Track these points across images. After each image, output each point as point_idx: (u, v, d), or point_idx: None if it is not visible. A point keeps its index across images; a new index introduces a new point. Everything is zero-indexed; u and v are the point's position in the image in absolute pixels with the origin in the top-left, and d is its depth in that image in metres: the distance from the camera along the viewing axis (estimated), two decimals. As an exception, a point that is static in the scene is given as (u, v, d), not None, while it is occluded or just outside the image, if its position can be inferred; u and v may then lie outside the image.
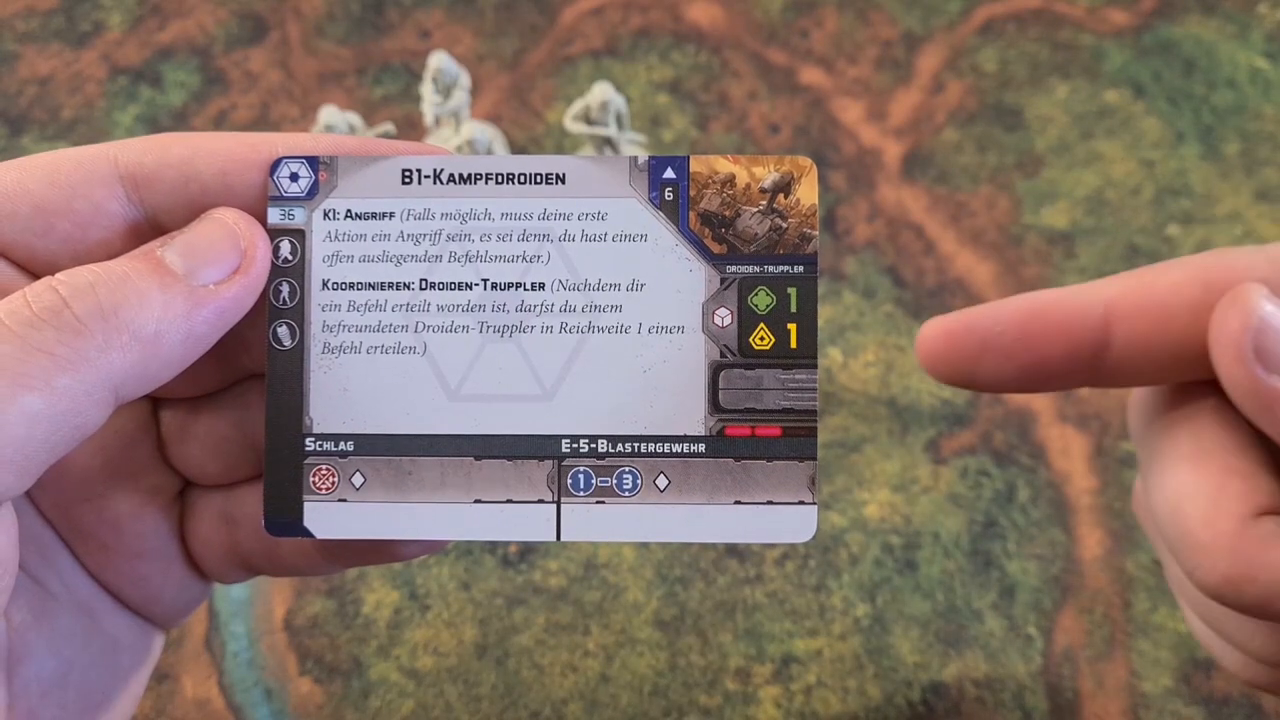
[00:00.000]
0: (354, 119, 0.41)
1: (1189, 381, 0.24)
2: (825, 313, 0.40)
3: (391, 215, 0.24)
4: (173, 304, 0.21)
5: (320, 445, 0.24)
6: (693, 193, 0.24)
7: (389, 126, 0.41)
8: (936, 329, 0.24)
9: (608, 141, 0.41)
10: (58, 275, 0.21)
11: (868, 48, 0.46)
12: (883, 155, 0.43)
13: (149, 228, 0.23)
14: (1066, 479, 0.37)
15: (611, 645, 0.35)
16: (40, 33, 0.47)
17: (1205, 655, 0.34)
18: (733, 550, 0.36)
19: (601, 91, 0.40)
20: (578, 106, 0.41)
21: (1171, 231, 0.41)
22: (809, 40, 0.46)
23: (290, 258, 0.24)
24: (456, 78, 0.41)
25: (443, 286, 0.24)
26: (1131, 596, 0.35)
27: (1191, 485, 0.23)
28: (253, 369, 0.25)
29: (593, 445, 0.24)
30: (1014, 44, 0.46)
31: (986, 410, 0.38)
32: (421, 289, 0.24)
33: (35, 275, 0.23)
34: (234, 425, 0.25)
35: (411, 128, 0.44)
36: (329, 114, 0.40)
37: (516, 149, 0.44)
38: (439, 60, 0.40)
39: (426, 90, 0.41)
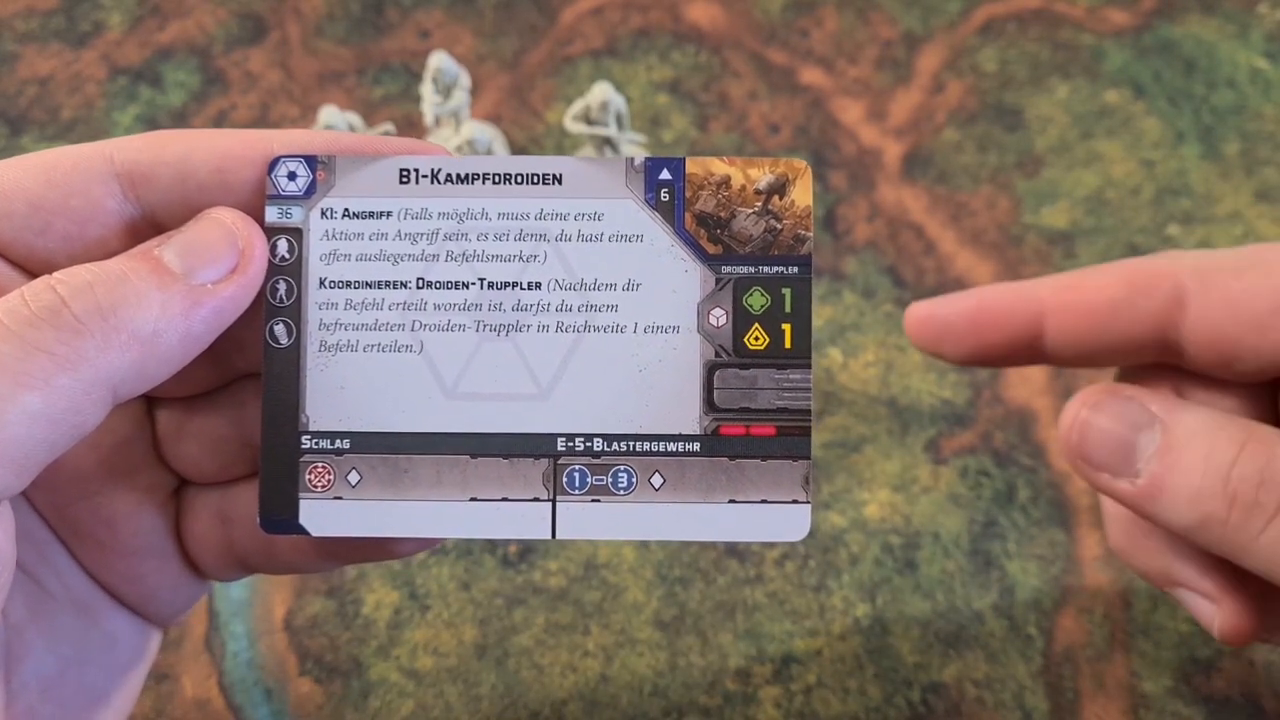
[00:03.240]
0: (354, 119, 0.41)
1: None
2: (825, 313, 0.40)
3: (389, 214, 0.24)
4: (171, 303, 0.21)
5: (316, 443, 0.24)
6: (689, 194, 0.24)
7: (389, 126, 0.41)
8: (912, 314, 0.29)
9: (607, 141, 0.41)
10: (56, 274, 0.21)
11: (868, 48, 0.46)
12: (883, 155, 0.43)
13: (146, 225, 0.23)
14: (1066, 479, 0.37)
15: (611, 645, 0.35)
16: (40, 33, 0.47)
17: (1205, 655, 0.34)
18: (732, 550, 0.36)
19: (601, 91, 0.40)
20: (578, 106, 0.41)
21: (1171, 231, 0.41)
22: (809, 40, 0.46)
23: (288, 256, 0.24)
24: (456, 78, 0.41)
25: (439, 285, 0.24)
26: (1131, 596, 0.35)
27: None
28: (247, 368, 0.25)
29: (588, 444, 0.24)
30: (1014, 44, 0.46)
31: (986, 410, 0.38)
32: (418, 288, 0.24)
33: (32, 274, 0.23)
34: (229, 424, 0.25)
35: (411, 128, 0.44)
36: (329, 114, 0.40)
37: (516, 149, 0.44)
38: (439, 60, 0.40)
39: (426, 90, 0.41)
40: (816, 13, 0.47)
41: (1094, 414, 0.28)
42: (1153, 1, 0.47)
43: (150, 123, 0.45)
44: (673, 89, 0.45)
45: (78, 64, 0.46)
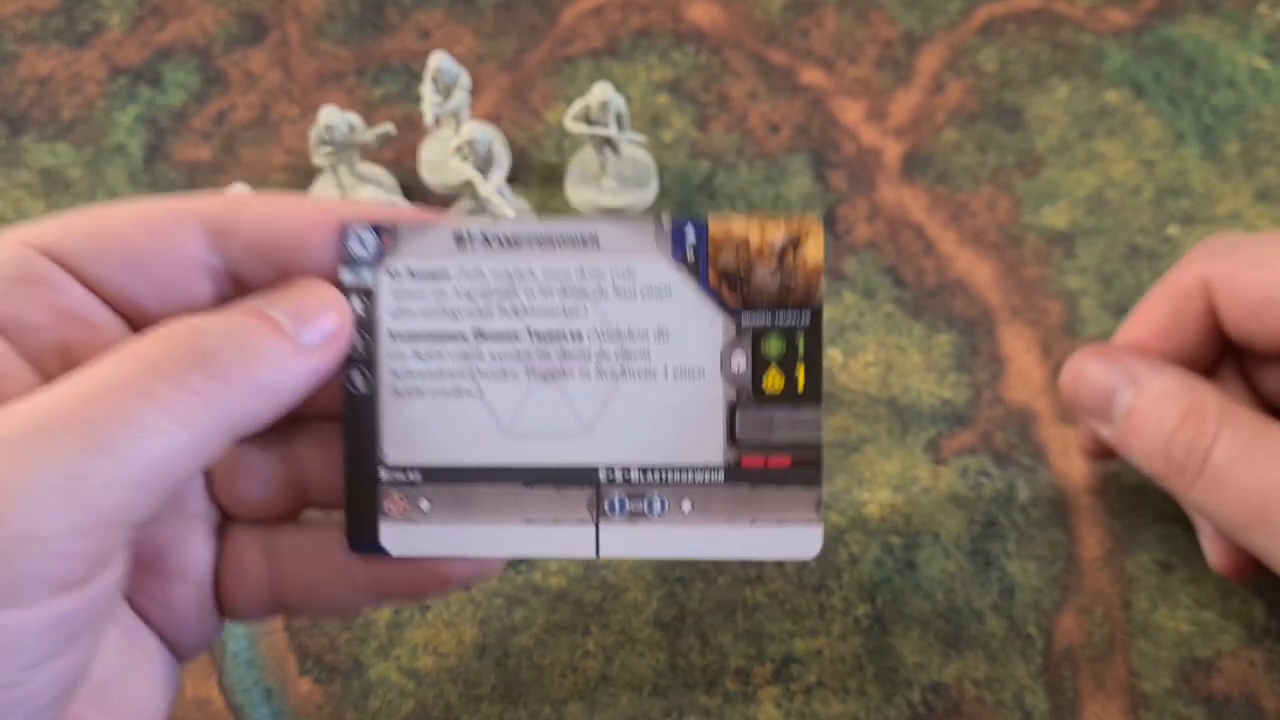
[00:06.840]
0: (354, 119, 0.41)
1: None
2: (825, 313, 0.40)
3: (448, 274, 0.27)
4: (290, 361, 0.24)
5: (392, 475, 0.27)
6: (711, 252, 0.27)
7: (389, 127, 0.41)
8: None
9: (607, 141, 0.41)
10: (201, 323, 0.23)
11: (868, 48, 0.46)
12: (883, 155, 0.43)
13: (225, 275, 0.26)
14: (1066, 479, 0.37)
15: (611, 645, 0.35)
16: (40, 33, 0.47)
17: (1205, 655, 0.34)
18: (733, 550, 0.36)
19: (601, 91, 0.40)
20: (578, 106, 0.41)
21: (1171, 231, 0.41)
22: (809, 40, 0.46)
23: (362, 313, 0.27)
24: (456, 78, 0.41)
25: (494, 336, 0.27)
26: (1131, 596, 0.35)
27: None
28: (298, 411, 0.26)
29: (626, 474, 0.27)
30: (1014, 44, 0.46)
31: (986, 410, 0.38)
32: (475, 339, 0.27)
33: (118, 312, 0.25)
34: (277, 463, 0.28)
35: (411, 128, 0.44)
36: (329, 114, 0.40)
37: (516, 149, 0.44)
38: (439, 60, 0.40)
39: (426, 90, 0.41)
40: (816, 13, 0.47)
41: (1087, 367, 0.33)
42: (1153, 1, 0.47)
43: (150, 123, 0.45)
44: (673, 89, 0.45)
45: (78, 64, 0.46)
